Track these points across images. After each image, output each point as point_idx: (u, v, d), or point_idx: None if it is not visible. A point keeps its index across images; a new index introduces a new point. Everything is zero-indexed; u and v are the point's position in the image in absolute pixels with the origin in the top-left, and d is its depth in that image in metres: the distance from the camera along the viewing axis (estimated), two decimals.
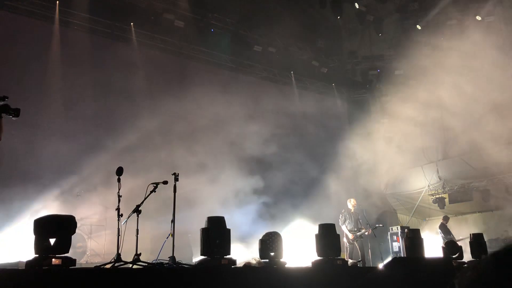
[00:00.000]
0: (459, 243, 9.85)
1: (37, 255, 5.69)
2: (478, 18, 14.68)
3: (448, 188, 15.48)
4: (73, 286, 5.28)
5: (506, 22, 14.84)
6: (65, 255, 5.77)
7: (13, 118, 5.91)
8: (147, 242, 10.14)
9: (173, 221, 7.26)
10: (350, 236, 11.94)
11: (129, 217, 6.91)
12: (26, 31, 11.62)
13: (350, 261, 9.16)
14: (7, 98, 5.92)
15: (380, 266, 8.10)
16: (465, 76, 15.10)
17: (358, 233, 12.02)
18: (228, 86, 14.70)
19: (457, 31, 15.24)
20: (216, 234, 7.11)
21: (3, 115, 5.87)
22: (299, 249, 10.99)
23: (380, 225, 12.59)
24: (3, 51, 10.90)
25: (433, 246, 12.39)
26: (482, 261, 1.13)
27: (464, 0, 14.69)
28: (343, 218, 12.10)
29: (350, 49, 17.54)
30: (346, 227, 12.01)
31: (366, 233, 12.05)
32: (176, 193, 7.34)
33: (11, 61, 10.92)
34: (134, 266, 6.33)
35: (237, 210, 11.73)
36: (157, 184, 7.16)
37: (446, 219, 13.79)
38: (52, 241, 5.74)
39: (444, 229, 13.41)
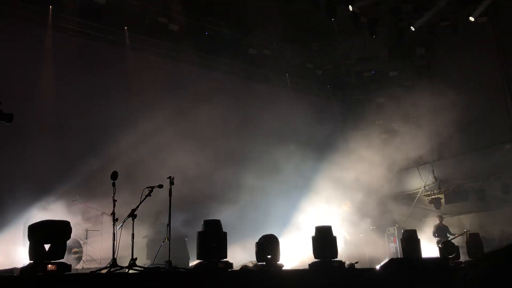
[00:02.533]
0: (455, 242, 9.88)
1: (32, 261, 5.65)
2: (471, 19, 14.74)
3: (444, 189, 15.50)
4: None
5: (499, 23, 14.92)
6: (60, 260, 5.74)
7: (6, 124, 5.88)
8: (144, 247, 10.11)
9: (168, 225, 7.23)
10: (348, 237, 11.98)
11: (124, 221, 6.88)
12: (18, 36, 11.56)
13: (347, 262, 9.15)
14: (0, 103, 5.90)
15: (377, 267, 8.10)
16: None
17: (354, 235, 12.06)
18: (222, 89, 14.68)
19: (451, 31, 15.33)
20: (212, 237, 7.09)
21: None
22: (296, 251, 10.98)
23: (373, 227, 12.63)
24: None
25: (429, 247, 12.41)
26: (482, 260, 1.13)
27: (457, 1, 14.74)
28: (340, 220, 12.14)
29: (345, 51, 17.56)
30: (345, 229, 12.06)
31: (361, 235, 12.09)
32: (171, 197, 7.31)
33: (2, 66, 10.84)
34: (130, 271, 6.29)
35: (232, 210, 11.68)
36: (152, 188, 7.14)
37: (440, 219, 13.80)
38: (47, 247, 5.70)
39: (439, 230, 13.40)
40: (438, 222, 13.59)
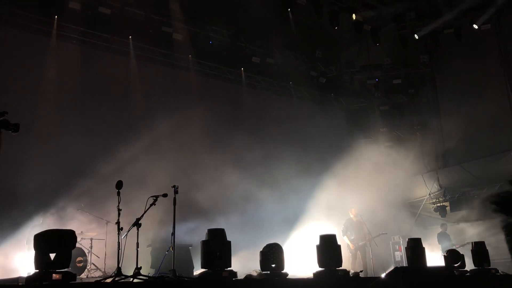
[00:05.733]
0: (460, 251, 9.81)
1: (38, 270, 5.68)
2: (475, 26, 14.75)
3: (449, 196, 15.43)
4: None
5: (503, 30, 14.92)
6: (65, 270, 5.75)
7: (12, 133, 5.92)
8: (148, 255, 10.11)
9: (173, 234, 7.24)
10: (351, 246, 11.92)
11: (129, 230, 6.90)
12: (23, 46, 11.66)
13: (351, 271, 9.12)
14: (7, 113, 5.94)
15: (382, 275, 8.07)
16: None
17: (360, 243, 12.00)
18: (227, 97, 14.75)
19: (454, 39, 15.34)
20: (216, 246, 7.09)
21: (3, 130, 5.89)
22: (300, 260, 10.94)
23: (385, 233, 12.53)
24: (2, 66, 10.92)
25: (434, 255, 12.35)
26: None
27: (461, 8, 14.76)
28: (344, 229, 12.10)
29: (348, 59, 17.60)
30: (348, 237, 12.01)
31: (368, 243, 12.03)
32: (176, 206, 7.33)
33: (8, 76, 10.94)
34: (135, 280, 6.30)
35: (236, 219, 11.67)
36: (156, 197, 7.17)
37: (444, 227, 13.76)
38: (52, 256, 5.73)
39: (442, 237, 13.35)
40: (441, 230, 13.62)
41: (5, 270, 8.54)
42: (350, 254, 11.92)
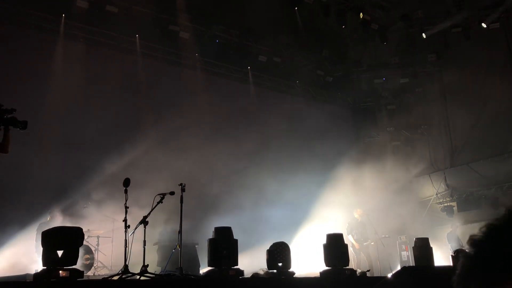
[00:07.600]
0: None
1: (45, 267, 5.70)
2: (484, 25, 14.65)
3: (456, 197, 15.34)
4: None
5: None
6: (73, 267, 5.77)
7: (20, 131, 5.96)
8: (155, 253, 10.12)
9: (180, 232, 7.24)
10: (356, 245, 11.90)
11: (136, 228, 6.91)
12: (31, 44, 11.71)
13: (358, 270, 9.09)
14: (15, 110, 5.99)
15: (389, 275, 8.03)
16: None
17: (364, 243, 11.98)
18: (233, 96, 14.73)
19: (462, 38, 15.24)
20: (223, 244, 7.09)
21: (11, 127, 5.94)
22: (307, 259, 10.92)
23: (387, 236, 12.52)
24: (10, 64, 10.98)
25: (442, 255, 12.29)
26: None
27: (469, 7, 14.66)
28: (349, 228, 12.07)
29: (355, 58, 17.54)
30: (353, 236, 11.98)
31: (372, 243, 12.02)
32: (183, 204, 7.33)
33: (16, 74, 10.99)
34: (142, 278, 6.31)
35: (243, 218, 11.65)
36: (163, 195, 7.17)
37: (454, 226, 13.71)
38: (59, 253, 5.75)
39: (451, 237, 13.31)
40: (451, 229, 13.55)
41: (12, 267, 8.58)
42: (354, 254, 11.89)
